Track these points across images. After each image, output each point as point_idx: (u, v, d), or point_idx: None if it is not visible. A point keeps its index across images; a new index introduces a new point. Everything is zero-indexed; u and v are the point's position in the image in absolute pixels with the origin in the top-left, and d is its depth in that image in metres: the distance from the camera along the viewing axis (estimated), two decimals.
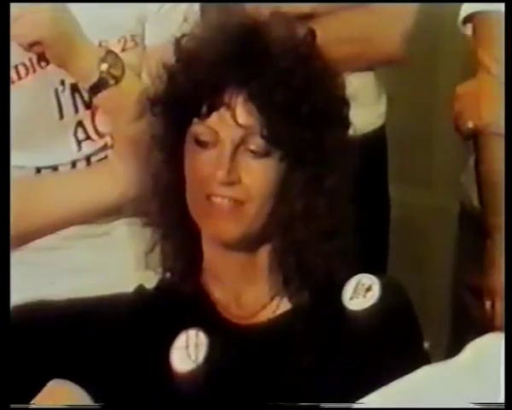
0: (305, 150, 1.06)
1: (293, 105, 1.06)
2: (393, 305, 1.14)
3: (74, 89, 1.27)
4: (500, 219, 1.47)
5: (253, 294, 1.13)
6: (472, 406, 1.03)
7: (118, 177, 1.27)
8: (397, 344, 1.13)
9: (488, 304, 1.52)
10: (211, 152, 1.06)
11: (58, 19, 1.18)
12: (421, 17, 1.60)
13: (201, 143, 1.07)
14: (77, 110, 1.27)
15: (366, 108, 1.54)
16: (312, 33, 1.10)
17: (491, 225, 1.46)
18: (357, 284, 1.13)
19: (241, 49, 1.07)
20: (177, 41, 1.11)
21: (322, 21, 1.43)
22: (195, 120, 1.06)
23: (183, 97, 1.07)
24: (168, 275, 1.12)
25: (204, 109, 1.05)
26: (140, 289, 1.15)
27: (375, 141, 1.60)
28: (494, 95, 1.40)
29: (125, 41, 1.32)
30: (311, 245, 1.10)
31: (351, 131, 1.11)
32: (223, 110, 1.04)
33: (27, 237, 1.31)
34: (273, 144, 1.05)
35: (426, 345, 1.19)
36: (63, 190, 1.30)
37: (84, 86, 1.23)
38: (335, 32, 1.42)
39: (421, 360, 1.08)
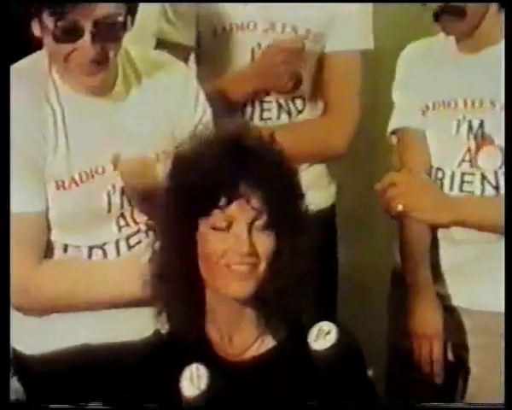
0: (288, 223, 1.31)
1: (282, 190, 1.31)
2: (346, 345, 1.37)
3: (122, 191, 1.54)
4: (413, 278, 1.75)
5: (241, 336, 1.36)
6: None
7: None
8: (350, 373, 1.37)
9: (425, 345, 1.74)
10: (225, 233, 1.28)
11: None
12: (362, 119, 1.91)
13: (218, 229, 1.29)
14: (122, 206, 1.54)
15: (320, 191, 1.88)
16: (273, 136, 1.35)
17: (408, 282, 1.75)
18: (320, 329, 1.37)
19: (246, 153, 1.30)
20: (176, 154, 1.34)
21: (287, 130, 1.76)
22: (216, 211, 1.28)
23: (197, 195, 1.28)
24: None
25: (223, 201, 1.27)
26: (156, 333, 1.39)
27: (328, 215, 1.93)
28: (416, 188, 1.66)
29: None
30: (287, 294, 1.32)
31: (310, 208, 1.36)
32: (240, 200, 1.27)
33: (59, 309, 1.53)
34: (274, 220, 1.30)
35: (370, 373, 1.49)
36: (101, 278, 1.53)
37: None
38: (298, 140, 1.75)
39: (367, 384, 1.40)
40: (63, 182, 1.52)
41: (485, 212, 1.69)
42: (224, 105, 1.74)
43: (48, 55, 1.53)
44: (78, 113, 1.52)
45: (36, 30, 1.48)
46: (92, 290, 1.53)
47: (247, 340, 1.37)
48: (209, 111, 1.61)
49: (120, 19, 1.47)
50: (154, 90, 1.58)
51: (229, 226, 1.30)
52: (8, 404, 1.45)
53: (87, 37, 1.43)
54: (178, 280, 1.33)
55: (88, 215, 1.54)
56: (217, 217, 1.28)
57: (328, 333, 1.36)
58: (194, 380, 1.35)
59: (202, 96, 1.61)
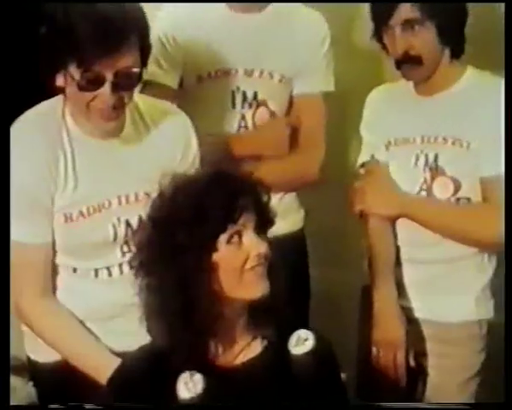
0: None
1: (263, 202, 1.47)
2: (322, 351, 1.48)
3: (127, 224, 1.67)
4: (379, 294, 1.91)
5: (234, 345, 1.48)
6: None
7: None
8: (325, 376, 1.49)
9: (389, 353, 1.89)
10: (240, 244, 1.43)
11: None
12: (335, 151, 2.09)
13: (234, 243, 1.43)
14: (126, 235, 1.67)
15: (291, 216, 2.05)
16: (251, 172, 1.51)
17: (375, 297, 1.90)
18: (299, 336, 1.49)
19: (240, 188, 1.46)
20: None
21: (267, 165, 1.93)
22: (229, 229, 1.42)
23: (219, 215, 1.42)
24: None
25: (232, 220, 1.42)
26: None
27: (298, 237, 2.09)
28: (374, 187, 1.88)
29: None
30: (274, 307, 1.45)
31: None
32: (244, 214, 1.43)
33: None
34: (265, 226, 1.46)
35: (343, 376, 1.60)
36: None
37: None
38: (277, 172, 1.92)
39: (341, 386, 1.53)
40: (71, 215, 1.64)
41: (433, 212, 1.86)
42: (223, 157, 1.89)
43: (69, 103, 1.64)
44: (87, 153, 1.64)
45: (59, 80, 1.59)
46: (64, 349, 1.67)
47: (237, 348, 1.49)
48: (198, 155, 1.74)
49: (136, 70, 1.58)
50: (157, 136, 1.70)
51: (240, 238, 1.45)
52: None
53: (108, 86, 1.54)
54: (181, 312, 1.42)
55: (93, 244, 1.66)
56: (229, 233, 1.43)
57: (306, 340, 1.48)
58: (189, 385, 1.46)
59: (195, 142, 1.74)
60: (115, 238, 1.66)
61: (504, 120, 1.56)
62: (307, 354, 1.48)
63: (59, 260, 1.68)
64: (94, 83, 1.54)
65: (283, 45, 1.95)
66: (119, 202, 1.66)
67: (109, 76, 1.53)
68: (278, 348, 1.48)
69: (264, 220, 1.49)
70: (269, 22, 1.95)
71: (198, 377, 1.44)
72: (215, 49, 1.93)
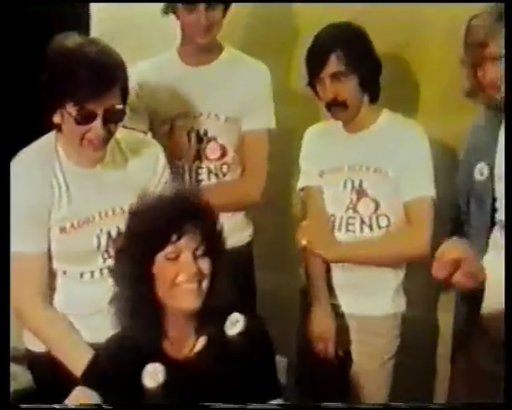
0: (219, 251, 1.61)
1: (213, 228, 1.61)
2: (254, 330, 1.63)
3: (108, 234, 1.90)
4: (313, 294, 2.19)
5: (185, 341, 1.64)
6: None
7: None
8: (259, 353, 1.63)
9: (321, 344, 2.18)
10: (176, 261, 1.57)
11: None
12: (279, 178, 2.42)
13: (170, 259, 1.57)
14: (107, 244, 1.91)
15: (239, 232, 2.33)
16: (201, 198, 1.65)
17: (310, 297, 2.21)
18: (231, 319, 1.63)
19: (189, 208, 1.59)
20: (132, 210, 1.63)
21: (216, 188, 2.23)
22: (168, 246, 1.55)
23: (161, 232, 1.57)
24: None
25: (174, 238, 1.56)
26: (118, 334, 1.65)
27: (246, 249, 2.38)
28: (315, 231, 2.17)
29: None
30: (219, 305, 1.60)
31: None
32: (186, 236, 1.56)
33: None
34: (210, 249, 1.59)
35: (284, 360, 1.90)
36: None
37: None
38: (224, 195, 2.19)
39: (272, 367, 1.67)
40: (65, 227, 1.89)
41: (366, 252, 2.16)
42: None
43: (62, 135, 1.86)
44: (75, 178, 1.90)
45: (57, 118, 1.82)
46: (52, 344, 1.90)
47: (189, 344, 1.66)
48: (167, 175, 2.00)
49: (121, 107, 1.82)
50: (131, 160, 1.95)
51: (177, 256, 1.58)
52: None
53: (99, 120, 1.79)
54: (143, 311, 1.60)
55: (81, 251, 1.91)
56: (168, 250, 1.58)
57: (237, 321, 1.63)
58: (152, 375, 1.61)
59: (164, 165, 1.99)
60: (98, 247, 1.92)
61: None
62: (239, 334, 1.62)
63: (55, 265, 1.92)
64: (88, 118, 1.79)
65: (228, 91, 2.24)
66: (101, 217, 1.91)
67: (100, 112, 1.79)
68: (219, 335, 1.64)
69: (209, 244, 1.59)
70: (216, 73, 2.26)
71: (159, 368, 1.61)
72: (173, 97, 2.23)
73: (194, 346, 1.66)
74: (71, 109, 1.79)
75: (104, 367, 1.67)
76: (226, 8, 2.22)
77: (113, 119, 1.83)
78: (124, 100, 1.85)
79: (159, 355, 1.63)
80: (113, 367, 1.64)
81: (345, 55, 2.11)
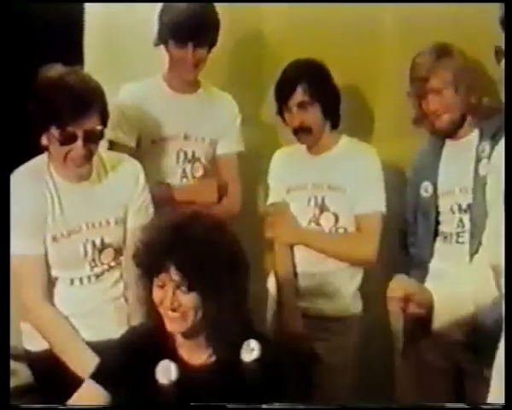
0: (206, 286, 1.65)
1: (199, 267, 1.63)
2: (268, 359, 1.70)
3: (93, 243, 2.08)
4: (283, 298, 2.40)
5: (199, 352, 1.72)
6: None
7: None
8: (271, 377, 1.70)
9: (292, 342, 2.36)
10: (163, 290, 1.67)
11: None
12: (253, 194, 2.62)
13: (159, 286, 1.67)
14: (93, 253, 2.08)
15: None
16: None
17: (280, 300, 2.41)
18: (248, 346, 1.70)
19: (173, 240, 1.65)
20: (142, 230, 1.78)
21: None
22: (161, 275, 1.64)
23: (155, 262, 1.66)
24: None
25: (159, 271, 1.64)
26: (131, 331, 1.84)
27: None
28: (279, 222, 2.40)
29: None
30: (223, 326, 1.67)
31: None
32: (167, 274, 1.63)
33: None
34: (195, 286, 1.64)
35: None
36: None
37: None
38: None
39: (285, 386, 1.70)
40: (56, 236, 2.05)
41: (320, 241, 2.39)
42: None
43: (51, 155, 2.02)
44: (67, 193, 2.07)
45: (44, 140, 2.00)
46: (53, 340, 2.04)
47: (203, 356, 1.74)
48: (149, 196, 2.16)
49: (99, 128, 1.99)
50: (113, 178, 2.12)
51: (163, 286, 1.69)
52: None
53: (80, 141, 1.97)
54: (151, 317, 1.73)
55: (70, 258, 2.08)
56: (159, 279, 1.69)
57: (253, 350, 1.70)
58: (166, 372, 1.69)
59: (146, 186, 2.15)
60: (85, 255, 2.09)
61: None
62: (255, 360, 1.70)
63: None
64: (69, 139, 1.97)
65: (209, 118, 2.47)
66: (87, 227, 2.08)
67: (80, 133, 1.96)
68: (232, 354, 1.70)
69: (194, 280, 1.63)
70: (199, 101, 2.49)
71: (173, 366, 1.70)
72: (162, 119, 2.43)
73: (208, 357, 1.74)
74: (54, 132, 1.97)
75: (115, 363, 1.75)
76: (211, 47, 2.43)
77: (92, 139, 2.00)
78: (103, 122, 2.03)
79: (173, 357, 1.72)
80: (126, 363, 1.72)
81: (309, 87, 2.36)
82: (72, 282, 2.11)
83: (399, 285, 1.72)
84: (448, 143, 2.37)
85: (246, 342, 1.69)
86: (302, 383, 2.36)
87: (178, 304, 1.66)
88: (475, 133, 2.32)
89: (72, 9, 2.80)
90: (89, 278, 2.12)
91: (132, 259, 1.76)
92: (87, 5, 2.83)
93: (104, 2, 2.77)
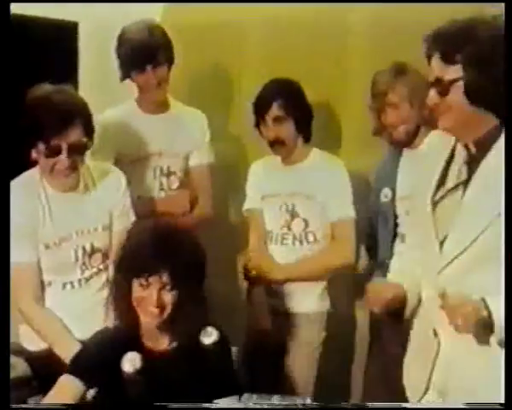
0: (185, 286, 1.86)
1: (181, 270, 1.84)
2: (223, 341, 1.92)
3: (84, 249, 2.20)
4: (252, 297, 2.58)
5: (162, 339, 1.92)
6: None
7: None
8: (225, 358, 1.94)
9: (261, 337, 2.54)
10: (146, 289, 1.86)
11: None
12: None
13: (142, 285, 1.86)
14: (84, 257, 2.22)
15: None
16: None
17: (250, 299, 2.59)
18: (206, 331, 1.90)
19: (157, 246, 1.85)
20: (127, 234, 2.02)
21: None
22: (142, 278, 1.83)
23: (138, 264, 1.85)
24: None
25: (145, 276, 1.84)
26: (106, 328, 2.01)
27: None
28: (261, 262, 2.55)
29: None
30: (186, 316, 1.87)
31: None
32: (155, 276, 1.83)
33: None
34: (176, 286, 1.85)
35: (235, 349, 2.04)
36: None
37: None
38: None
39: (232, 365, 1.97)
40: (49, 244, 2.18)
41: (306, 270, 2.55)
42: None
43: (40, 168, 2.14)
44: (57, 202, 2.19)
45: (33, 154, 2.12)
46: (44, 334, 2.18)
47: (165, 341, 1.95)
48: (129, 200, 2.31)
49: (84, 141, 2.09)
50: (102, 188, 2.26)
51: (148, 286, 1.88)
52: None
53: (64, 153, 2.08)
54: (123, 319, 1.94)
55: (62, 264, 2.21)
56: (142, 279, 1.89)
57: (211, 333, 1.92)
58: (131, 361, 1.85)
59: (127, 192, 2.30)
60: (76, 260, 2.22)
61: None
62: (214, 343, 1.92)
63: (43, 277, 2.21)
64: (54, 152, 2.09)
65: (181, 134, 2.65)
66: (77, 234, 2.21)
67: (64, 146, 2.08)
68: (192, 339, 1.92)
69: (176, 281, 1.86)
70: (171, 119, 2.68)
71: (137, 356, 1.88)
72: (138, 140, 2.63)
73: (170, 343, 1.94)
74: (41, 146, 2.10)
75: (88, 358, 1.95)
76: (170, 65, 2.62)
77: (76, 151, 2.11)
78: (87, 134, 2.14)
79: (138, 347, 1.91)
80: (97, 357, 1.91)
81: (284, 104, 2.55)
82: (64, 286, 2.25)
83: (386, 288, 1.85)
84: (405, 151, 2.57)
85: (203, 328, 1.90)
86: (271, 374, 2.54)
87: (161, 302, 1.87)
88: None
89: (66, 29, 2.96)
90: (79, 281, 2.26)
91: (115, 260, 1.93)
92: (81, 25, 3.00)
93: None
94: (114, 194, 2.29)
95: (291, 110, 2.56)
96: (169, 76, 2.63)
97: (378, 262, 2.62)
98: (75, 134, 2.10)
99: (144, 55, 2.56)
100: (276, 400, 1.85)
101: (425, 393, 1.81)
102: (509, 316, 1.57)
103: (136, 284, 1.89)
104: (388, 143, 2.58)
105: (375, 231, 2.64)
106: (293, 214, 2.61)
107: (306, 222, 2.62)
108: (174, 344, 1.95)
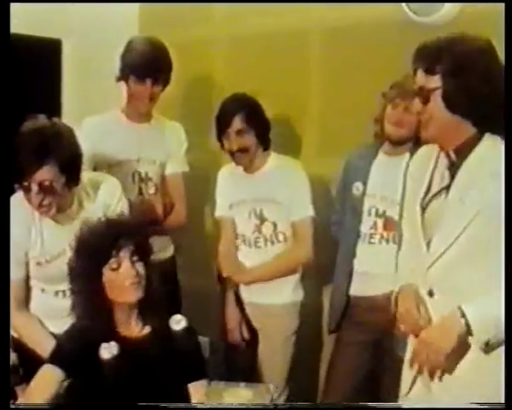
0: (149, 259, 2.01)
1: (144, 244, 2.01)
2: (190, 328, 2.03)
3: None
4: (224, 292, 2.67)
5: (135, 325, 2.05)
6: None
7: None
8: (194, 343, 2.06)
9: (230, 330, 2.67)
10: (118, 271, 1.97)
11: None
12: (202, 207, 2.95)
13: (114, 269, 1.98)
14: None
15: (165, 249, 2.87)
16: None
17: (223, 294, 2.70)
18: (175, 318, 2.03)
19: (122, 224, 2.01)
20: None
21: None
22: (111, 259, 1.96)
23: (104, 251, 1.97)
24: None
25: (115, 253, 1.96)
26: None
27: (171, 262, 2.93)
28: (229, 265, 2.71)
29: None
30: (157, 302, 2.01)
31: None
32: (124, 249, 1.97)
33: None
34: (142, 257, 1.98)
35: (206, 340, 2.19)
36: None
37: None
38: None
39: (202, 354, 2.09)
40: (40, 262, 2.29)
41: (270, 272, 2.70)
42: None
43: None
44: (48, 226, 2.30)
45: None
46: (27, 339, 2.29)
47: (137, 328, 2.07)
48: (126, 206, 2.40)
49: (53, 183, 2.11)
50: (97, 201, 2.33)
51: (119, 266, 2.01)
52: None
53: (34, 192, 2.14)
54: (96, 308, 2.02)
55: (54, 276, 2.31)
56: (112, 263, 2.01)
57: (180, 320, 2.06)
58: (108, 349, 1.97)
59: (123, 198, 2.39)
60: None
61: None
62: (183, 329, 2.05)
63: (33, 283, 2.37)
64: (26, 190, 2.16)
65: (160, 143, 2.84)
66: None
67: (34, 186, 2.14)
68: (163, 326, 2.06)
69: (141, 252, 2.01)
70: (151, 129, 2.86)
71: (113, 344, 2.01)
72: (120, 145, 2.75)
73: (142, 329, 2.07)
74: (19, 184, 2.19)
75: (67, 348, 2.06)
76: (165, 86, 2.80)
77: (45, 191, 2.14)
78: (63, 170, 2.15)
79: (113, 335, 2.02)
80: (75, 347, 2.02)
81: (246, 117, 2.70)
82: (56, 294, 2.38)
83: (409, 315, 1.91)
84: (380, 153, 2.66)
85: (172, 316, 2.04)
86: (245, 363, 2.69)
87: (136, 272, 1.99)
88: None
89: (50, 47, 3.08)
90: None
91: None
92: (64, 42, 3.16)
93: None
94: (109, 202, 2.37)
95: (252, 122, 2.71)
96: (160, 95, 2.80)
97: (340, 255, 2.76)
98: (45, 174, 2.14)
99: (149, 68, 2.71)
100: (242, 386, 2.00)
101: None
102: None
103: (107, 271, 2.00)
104: (386, 137, 2.61)
105: (339, 224, 2.76)
106: (262, 219, 2.75)
107: (275, 224, 2.76)
108: (146, 330, 2.07)
